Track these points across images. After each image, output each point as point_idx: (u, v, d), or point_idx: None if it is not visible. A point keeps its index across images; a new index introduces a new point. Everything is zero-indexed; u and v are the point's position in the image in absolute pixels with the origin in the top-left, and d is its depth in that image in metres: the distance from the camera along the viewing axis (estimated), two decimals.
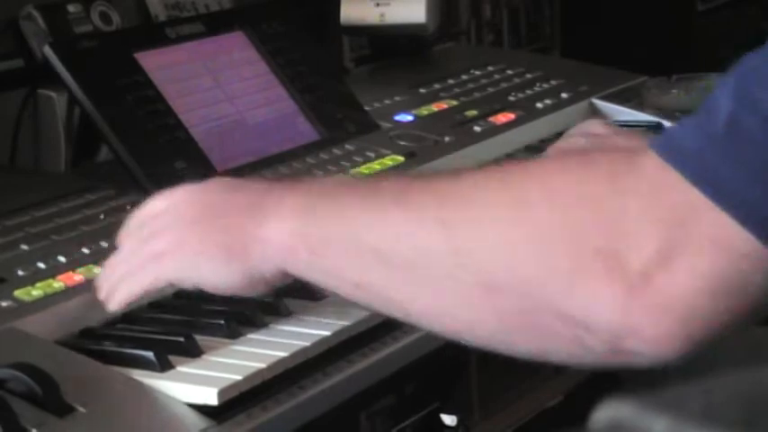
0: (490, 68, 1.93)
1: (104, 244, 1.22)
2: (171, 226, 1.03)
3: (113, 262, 1.08)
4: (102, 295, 1.08)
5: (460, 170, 0.90)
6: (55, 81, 1.41)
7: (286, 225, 0.95)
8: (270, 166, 1.46)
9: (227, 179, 1.08)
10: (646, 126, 1.72)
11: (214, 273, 1.00)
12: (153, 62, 1.46)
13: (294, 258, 0.95)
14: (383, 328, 1.13)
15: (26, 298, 1.11)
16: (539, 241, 0.81)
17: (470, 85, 1.84)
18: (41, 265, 1.17)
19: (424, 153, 1.57)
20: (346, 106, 1.63)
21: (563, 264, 0.80)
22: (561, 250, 0.80)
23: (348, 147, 1.54)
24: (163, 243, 1.03)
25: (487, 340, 0.86)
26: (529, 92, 1.84)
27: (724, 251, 0.76)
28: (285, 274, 0.97)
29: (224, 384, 0.98)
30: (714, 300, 0.76)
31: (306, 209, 0.94)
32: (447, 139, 1.63)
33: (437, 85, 1.83)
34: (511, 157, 1.64)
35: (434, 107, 1.74)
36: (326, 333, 1.08)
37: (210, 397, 0.97)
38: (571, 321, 0.80)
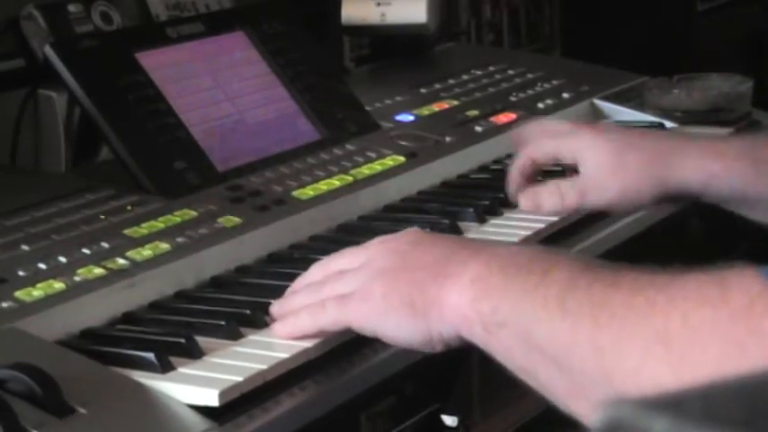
0: (491, 68, 1.93)
1: (105, 244, 1.22)
2: (361, 272, 1.04)
3: (297, 287, 1.10)
4: (275, 314, 1.10)
5: (619, 273, 0.89)
6: (55, 81, 1.41)
7: (464, 296, 0.95)
8: (270, 165, 1.46)
9: (419, 230, 1.09)
10: (647, 126, 1.72)
11: (397, 327, 1.00)
12: (153, 62, 1.46)
13: (469, 329, 0.96)
14: None
15: (27, 298, 1.11)
16: (677, 379, 0.79)
17: (471, 85, 1.84)
18: (42, 265, 1.17)
19: (424, 153, 1.57)
20: (347, 106, 1.63)
21: None
22: None
23: (349, 147, 1.54)
24: (350, 286, 1.03)
25: None
26: (530, 92, 1.84)
27: None
28: (462, 338, 0.98)
29: (225, 385, 0.98)
30: None
31: (482, 283, 0.95)
32: (448, 139, 1.63)
33: (438, 85, 1.83)
34: (511, 157, 1.64)
35: (435, 107, 1.74)
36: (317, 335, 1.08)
37: (211, 398, 0.97)
38: None
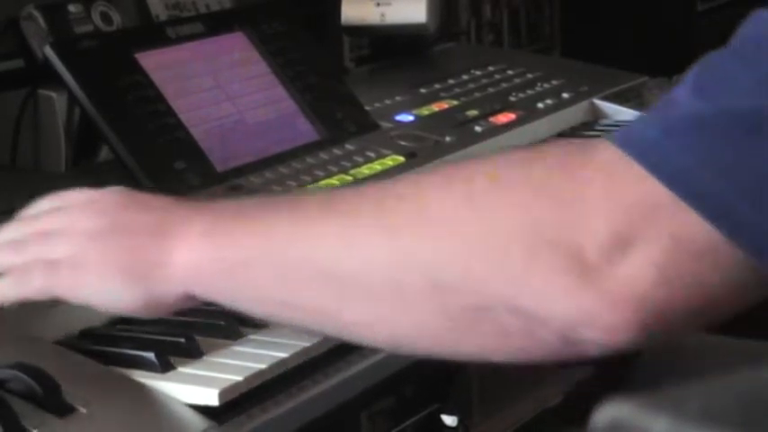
0: (491, 68, 1.93)
1: None
2: (70, 233, 0.97)
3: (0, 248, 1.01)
4: None
5: (394, 178, 0.88)
6: (55, 81, 1.41)
7: (195, 248, 0.91)
8: (270, 166, 1.46)
9: (124, 190, 1.01)
10: None
11: (115, 296, 0.96)
12: (153, 62, 1.46)
13: (205, 282, 0.92)
14: None
15: None
16: (491, 236, 0.79)
17: (471, 85, 1.84)
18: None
19: (424, 153, 1.57)
20: (346, 106, 1.63)
21: (516, 257, 0.78)
22: (515, 244, 0.78)
23: (348, 147, 1.54)
24: (58, 251, 0.97)
25: (431, 346, 0.85)
26: (530, 92, 1.84)
27: (680, 242, 0.75)
28: (191, 298, 0.95)
29: (225, 385, 0.98)
30: (669, 291, 0.76)
31: (219, 233, 0.91)
32: (447, 139, 1.63)
33: (437, 85, 1.83)
34: None
35: (435, 107, 1.74)
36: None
37: (211, 398, 0.97)
38: (523, 314, 0.79)
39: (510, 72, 1.92)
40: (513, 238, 0.79)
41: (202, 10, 1.71)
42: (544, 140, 1.70)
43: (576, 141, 0.82)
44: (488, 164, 0.83)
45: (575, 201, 0.77)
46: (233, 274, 0.91)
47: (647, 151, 0.77)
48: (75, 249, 0.96)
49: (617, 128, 0.79)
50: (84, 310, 1.12)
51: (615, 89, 1.88)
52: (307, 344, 1.06)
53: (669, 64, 2.06)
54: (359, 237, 0.85)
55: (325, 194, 0.90)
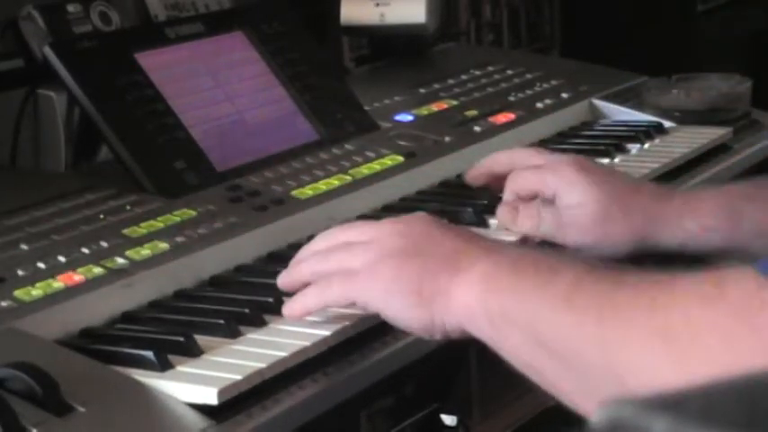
0: (490, 68, 1.93)
1: (104, 244, 1.22)
2: (370, 249, 1.06)
3: (302, 255, 1.12)
4: (281, 285, 1.12)
5: (623, 273, 0.92)
6: (55, 81, 1.42)
7: (473, 290, 0.98)
8: (269, 165, 1.46)
9: (428, 217, 1.10)
10: (646, 126, 1.72)
11: (401, 310, 1.03)
12: (152, 62, 1.46)
13: (475, 323, 0.98)
14: (383, 328, 1.13)
15: (26, 298, 1.11)
16: (679, 374, 0.82)
17: (470, 85, 1.84)
18: (41, 264, 1.17)
19: (423, 153, 1.57)
20: (346, 106, 1.63)
21: None
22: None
23: (348, 147, 1.54)
24: (358, 260, 1.05)
25: None
26: (529, 92, 1.84)
27: None
28: (464, 332, 1.00)
29: (224, 384, 0.98)
30: None
31: (491, 279, 0.98)
32: (447, 139, 1.63)
33: (437, 85, 1.83)
34: None
35: (434, 107, 1.74)
36: (326, 333, 1.08)
37: (210, 396, 0.97)
38: None
39: (509, 72, 1.92)
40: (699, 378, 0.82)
41: (201, 10, 1.71)
42: (544, 141, 1.70)
43: (744, 278, 0.83)
44: (685, 297, 0.85)
45: (755, 351, 0.79)
46: (495, 324, 0.97)
47: None
48: (374, 261, 1.04)
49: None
50: (83, 309, 1.12)
51: (615, 89, 1.88)
52: (306, 343, 1.06)
53: (669, 64, 2.06)
54: (581, 342, 0.90)
55: (573, 274, 0.94)
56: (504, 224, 1.34)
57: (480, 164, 1.43)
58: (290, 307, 1.09)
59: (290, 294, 1.13)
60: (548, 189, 1.32)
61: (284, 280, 1.13)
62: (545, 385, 0.95)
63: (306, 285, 1.10)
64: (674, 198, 1.32)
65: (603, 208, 1.29)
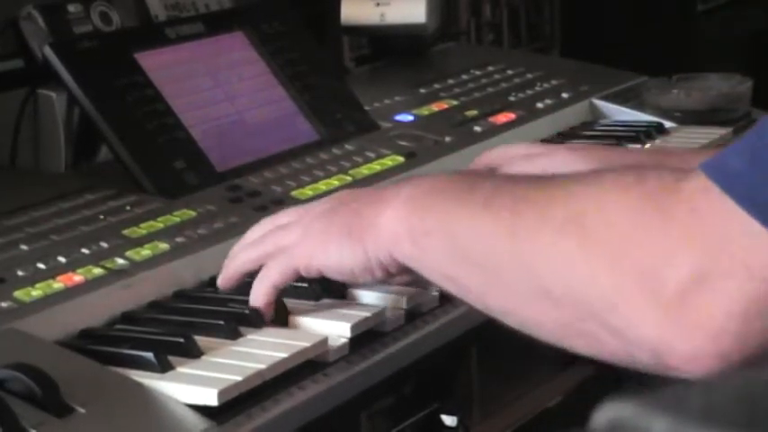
0: (490, 68, 1.93)
1: (104, 244, 1.22)
2: (298, 222, 1.09)
3: (237, 250, 1.14)
4: (221, 285, 1.14)
5: (545, 177, 0.93)
6: (55, 81, 1.41)
7: (396, 214, 1.00)
8: (269, 165, 1.46)
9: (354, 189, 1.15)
10: (646, 126, 1.72)
11: (338, 254, 1.04)
12: (153, 62, 1.45)
13: (400, 246, 1.00)
14: (383, 329, 1.13)
15: (26, 298, 1.11)
16: (588, 256, 0.84)
17: (470, 85, 1.84)
18: (41, 265, 1.17)
19: (424, 153, 1.57)
20: (346, 106, 1.62)
21: (608, 280, 0.83)
22: (606, 266, 0.83)
23: (348, 147, 1.54)
24: (290, 237, 1.08)
25: (547, 338, 0.91)
26: (529, 92, 1.84)
27: (757, 274, 0.77)
28: (397, 263, 1.01)
29: (224, 385, 0.98)
30: (746, 321, 0.78)
31: (414, 200, 1.00)
32: (447, 139, 1.63)
33: (437, 85, 1.83)
34: None
35: (434, 107, 1.74)
36: (326, 333, 1.08)
37: (210, 398, 0.97)
38: (618, 335, 0.83)
39: (509, 72, 1.92)
40: (605, 262, 0.83)
41: (202, 10, 1.71)
42: (544, 140, 1.70)
43: (674, 166, 0.85)
44: (600, 182, 0.87)
45: (661, 230, 0.81)
46: (417, 241, 0.98)
47: (732, 180, 0.79)
48: (302, 228, 1.08)
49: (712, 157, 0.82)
50: (82, 309, 1.12)
51: (615, 89, 1.88)
52: (306, 344, 1.06)
53: (669, 64, 2.06)
54: (496, 237, 0.91)
55: (494, 183, 0.96)
56: None
57: (474, 163, 1.43)
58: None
59: (291, 297, 1.13)
60: (546, 170, 1.32)
61: (222, 279, 1.14)
62: (462, 295, 0.96)
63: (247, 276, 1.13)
64: (670, 158, 1.33)
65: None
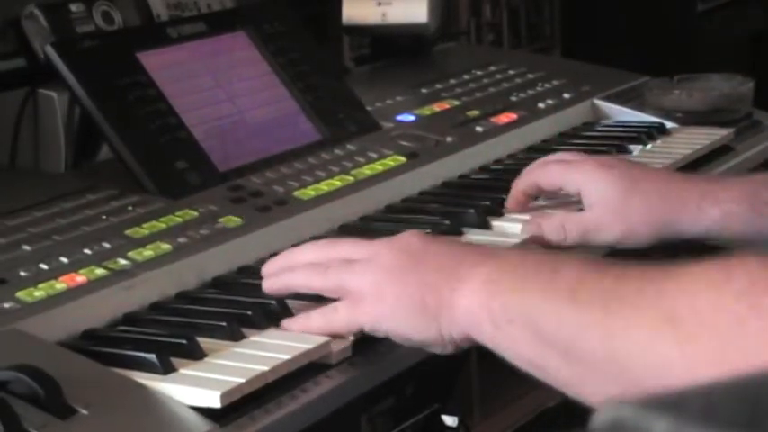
0: (492, 68, 1.93)
1: (106, 245, 1.22)
2: (368, 266, 1.06)
3: (292, 263, 1.12)
4: (268, 288, 1.13)
5: (628, 267, 0.92)
6: (56, 81, 1.41)
7: (475, 296, 0.99)
8: (271, 165, 1.46)
9: (422, 234, 1.11)
10: (648, 127, 1.72)
11: (410, 326, 1.03)
12: (155, 62, 1.45)
13: (479, 328, 0.99)
14: None
15: (28, 299, 1.11)
16: (686, 358, 0.82)
17: (472, 85, 1.84)
18: (43, 266, 1.16)
19: (425, 153, 1.57)
20: (348, 106, 1.62)
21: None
22: (703, 367, 0.81)
23: (349, 147, 1.54)
24: (359, 281, 1.06)
25: None
26: (531, 92, 1.84)
27: None
28: (471, 339, 1.00)
29: (227, 387, 0.98)
30: None
31: (494, 284, 0.98)
32: (449, 139, 1.63)
33: (438, 85, 1.82)
34: (513, 157, 1.64)
35: (436, 107, 1.74)
36: (329, 336, 1.08)
37: (213, 399, 0.97)
38: None
39: (511, 72, 1.92)
40: (705, 364, 0.82)
41: (204, 10, 1.71)
42: (546, 141, 1.70)
43: (749, 264, 0.84)
44: (690, 282, 0.86)
45: (760, 334, 0.79)
46: (497, 325, 0.97)
47: None
48: (377, 281, 1.05)
49: None
50: (85, 310, 1.12)
51: (616, 89, 1.88)
52: (309, 346, 1.06)
53: (669, 64, 2.06)
54: (587, 334, 0.90)
55: (575, 272, 0.95)
56: (530, 237, 1.34)
57: (515, 185, 1.41)
58: (290, 324, 1.10)
59: (293, 301, 1.13)
60: (572, 185, 1.35)
61: (274, 286, 1.13)
62: (549, 381, 0.95)
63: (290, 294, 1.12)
64: (697, 184, 1.34)
65: (625, 199, 1.32)
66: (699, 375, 0.81)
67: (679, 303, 0.84)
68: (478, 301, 0.98)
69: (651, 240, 1.32)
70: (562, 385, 0.94)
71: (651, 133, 1.70)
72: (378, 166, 1.50)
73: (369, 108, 1.65)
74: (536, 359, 0.95)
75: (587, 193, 1.33)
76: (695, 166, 1.63)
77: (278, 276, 1.13)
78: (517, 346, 0.96)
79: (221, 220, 1.31)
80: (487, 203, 1.41)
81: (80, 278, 1.15)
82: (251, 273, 1.25)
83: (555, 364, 0.93)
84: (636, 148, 1.65)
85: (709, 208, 1.29)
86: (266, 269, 1.16)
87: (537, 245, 1.33)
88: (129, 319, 1.14)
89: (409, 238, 1.08)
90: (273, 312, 1.12)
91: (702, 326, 0.82)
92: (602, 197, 1.32)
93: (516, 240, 1.31)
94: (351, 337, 1.09)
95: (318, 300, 1.14)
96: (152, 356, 1.01)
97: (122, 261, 1.19)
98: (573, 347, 0.91)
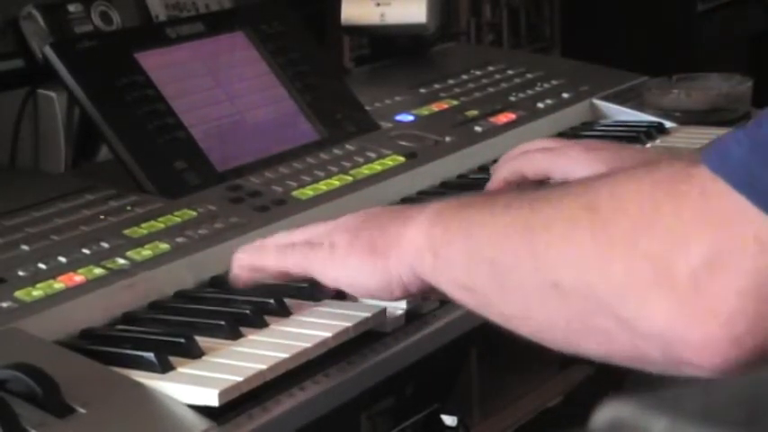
0: (490, 68, 1.93)
1: (105, 244, 1.22)
2: (327, 232, 1.08)
3: (255, 250, 1.14)
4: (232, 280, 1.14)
5: (572, 182, 0.93)
6: (55, 81, 1.41)
7: (420, 230, 0.99)
8: (270, 166, 1.46)
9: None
10: (647, 126, 1.72)
11: (357, 270, 1.04)
12: (153, 62, 1.45)
13: (421, 260, 0.99)
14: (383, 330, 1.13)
15: (26, 298, 1.11)
16: (599, 245, 0.83)
17: (471, 85, 1.84)
18: (42, 265, 1.17)
19: (424, 153, 1.57)
20: (346, 106, 1.62)
21: (618, 268, 0.81)
22: (617, 254, 0.82)
23: (348, 147, 1.54)
24: (319, 251, 1.07)
25: (559, 342, 0.89)
26: (530, 92, 1.84)
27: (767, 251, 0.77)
28: (419, 280, 1.00)
29: (225, 385, 0.98)
30: (759, 303, 0.77)
31: (439, 214, 0.99)
32: (448, 139, 1.63)
33: (437, 85, 1.82)
34: None
35: (435, 107, 1.74)
36: (327, 334, 1.08)
37: (211, 398, 0.97)
38: (627, 327, 0.82)
39: (510, 72, 1.92)
40: (616, 249, 0.82)
41: (202, 10, 1.71)
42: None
43: (675, 163, 0.84)
44: (614, 176, 0.87)
45: (670, 216, 0.80)
46: (438, 253, 0.97)
47: (735, 168, 0.78)
48: (333, 236, 1.07)
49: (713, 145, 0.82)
50: (83, 310, 1.12)
51: (615, 89, 1.88)
52: (307, 345, 1.06)
53: (669, 64, 2.07)
54: (511, 237, 0.90)
55: (514, 192, 0.98)
56: None
57: (497, 166, 1.42)
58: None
59: (291, 297, 1.13)
60: (558, 170, 1.34)
61: (243, 271, 1.13)
62: (481, 308, 0.95)
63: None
64: (679, 159, 1.33)
65: None
66: (610, 262, 0.81)
67: (599, 194, 0.85)
68: (422, 231, 0.99)
69: None
70: (489, 306, 0.93)
71: (650, 133, 1.70)
72: (376, 166, 1.50)
73: (368, 108, 1.65)
74: (467, 280, 0.94)
75: (573, 175, 1.32)
76: None
77: (238, 261, 1.14)
78: (452, 269, 0.96)
79: (220, 219, 1.31)
80: None
81: (78, 278, 1.15)
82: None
83: (483, 279, 0.92)
84: (637, 148, 1.65)
85: None
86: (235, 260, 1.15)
87: None
88: (128, 318, 1.15)
89: (372, 208, 1.11)
90: (271, 311, 1.12)
91: (618, 211, 0.82)
92: None
93: None
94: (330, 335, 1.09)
95: (316, 299, 1.14)
96: (150, 355, 1.01)
97: (121, 261, 1.19)
98: (499, 254, 0.90)
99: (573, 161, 1.32)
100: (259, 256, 1.12)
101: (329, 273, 1.06)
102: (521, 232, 0.89)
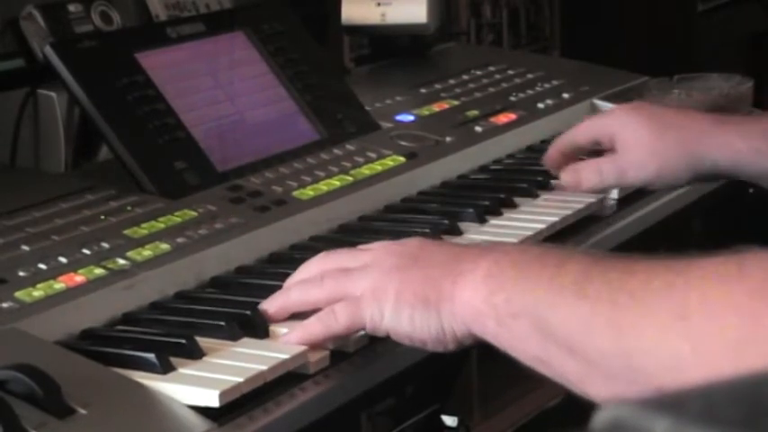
0: (491, 68, 1.92)
1: (105, 245, 1.22)
2: (367, 271, 1.04)
3: (290, 284, 1.10)
4: (268, 311, 1.09)
5: (634, 261, 0.90)
6: (55, 81, 1.41)
7: (478, 291, 0.96)
8: (270, 165, 1.46)
9: (423, 238, 1.10)
10: None
11: (410, 323, 1.00)
12: (153, 62, 1.45)
13: (481, 324, 0.96)
14: None
15: (27, 299, 1.11)
16: (700, 355, 0.81)
17: (471, 85, 1.84)
18: (42, 265, 1.16)
19: (424, 153, 1.57)
20: (347, 106, 1.62)
21: None
22: (718, 369, 0.80)
23: (349, 147, 1.54)
24: (358, 286, 1.03)
25: None
26: (530, 92, 1.84)
27: None
28: (473, 336, 0.98)
29: (225, 386, 0.98)
30: None
31: (495, 278, 0.96)
32: (448, 139, 1.63)
33: (438, 85, 1.82)
34: (512, 157, 1.64)
35: (435, 107, 1.74)
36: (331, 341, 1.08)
37: (212, 399, 0.97)
38: None
39: (510, 72, 1.92)
40: (719, 365, 0.80)
41: (202, 10, 1.71)
42: (545, 141, 1.70)
43: (764, 260, 0.82)
44: (701, 277, 0.84)
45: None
46: (501, 320, 0.95)
47: None
48: (377, 281, 1.02)
49: None
50: (84, 310, 1.12)
51: (615, 89, 1.88)
52: (307, 345, 1.05)
53: (669, 64, 2.06)
54: (595, 330, 0.88)
55: (581, 265, 0.93)
56: (568, 184, 1.41)
57: (554, 146, 1.48)
58: (290, 337, 1.07)
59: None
60: (606, 132, 1.39)
61: (271, 307, 1.10)
62: (554, 377, 0.94)
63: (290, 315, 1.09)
64: (725, 120, 1.37)
65: (660, 135, 1.35)
66: (713, 372, 0.79)
67: (688, 298, 0.82)
68: (480, 296, 0.96)
69: (686, 175, 1.35)
70: (568, 381, 0.92)
71: None
72: (377, 166, 1.50)
73: (368, 108, 1.65)
74: (541, 355, 0.93)
75: (622, 136, 1.37)
76: None
77: (274, 296, 1.11)
78: (522, 342, 0.94)
79: (220, 219, 1.31)
80: (486, 203, 1.41)
81: (79, 278, 1.15)
82: (250, 272, 1.25)
83: (560, 361, 0.91)
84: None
85: (736, 141, 1.32)
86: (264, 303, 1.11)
87: (573, 191, 1.39)
88: (128, 318, 1.14)
89: (407, 242, 1.07)
90: None
91: (714, 321, 0.80)
92: (637, 137, 1.36)
93: (514, 239, 1.31)
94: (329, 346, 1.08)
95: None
96: (151, 356, 1.01)
97: (121, 261, 1.19)
98: (580, 343, 0.89)
99: (619, 121, 1.39)
100: (305, 336, 1.06)
101: (381, 327, 1.02)
102: (608, 332, 0.87)
